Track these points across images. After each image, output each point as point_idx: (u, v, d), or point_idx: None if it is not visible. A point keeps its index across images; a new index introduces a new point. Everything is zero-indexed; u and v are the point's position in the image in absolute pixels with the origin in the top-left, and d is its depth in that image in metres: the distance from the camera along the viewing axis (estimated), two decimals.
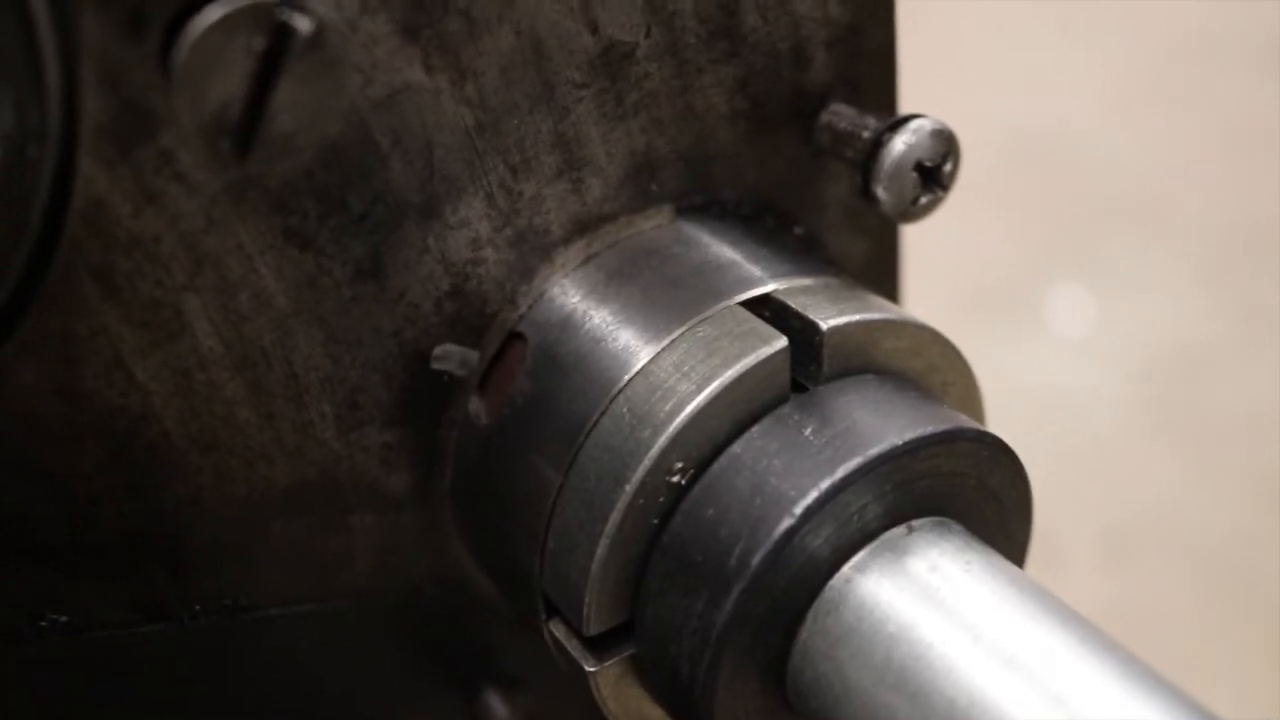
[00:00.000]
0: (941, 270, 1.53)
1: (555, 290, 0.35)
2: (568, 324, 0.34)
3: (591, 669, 0.32)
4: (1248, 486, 1.37)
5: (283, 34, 0.28)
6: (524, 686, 0.39)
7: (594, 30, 0.33)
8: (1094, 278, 1.59)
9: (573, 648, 0.32)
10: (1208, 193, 1.68)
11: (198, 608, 0.34)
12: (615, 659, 0.32)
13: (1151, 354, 1.51)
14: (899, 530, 0.31)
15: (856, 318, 0.32)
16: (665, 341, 0.32)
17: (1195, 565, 1.32)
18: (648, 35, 0.33)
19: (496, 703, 0.39)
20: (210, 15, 0.27)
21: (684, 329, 0.32)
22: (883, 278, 0.40)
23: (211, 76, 0.27)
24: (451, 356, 0.34)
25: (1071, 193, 1.68)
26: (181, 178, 0.29)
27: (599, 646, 0.32)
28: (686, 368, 0.31)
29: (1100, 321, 1.56)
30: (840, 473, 0.30)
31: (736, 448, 0.31)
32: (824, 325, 0.32)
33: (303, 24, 0.28)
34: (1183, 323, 1.54)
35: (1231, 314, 1.55)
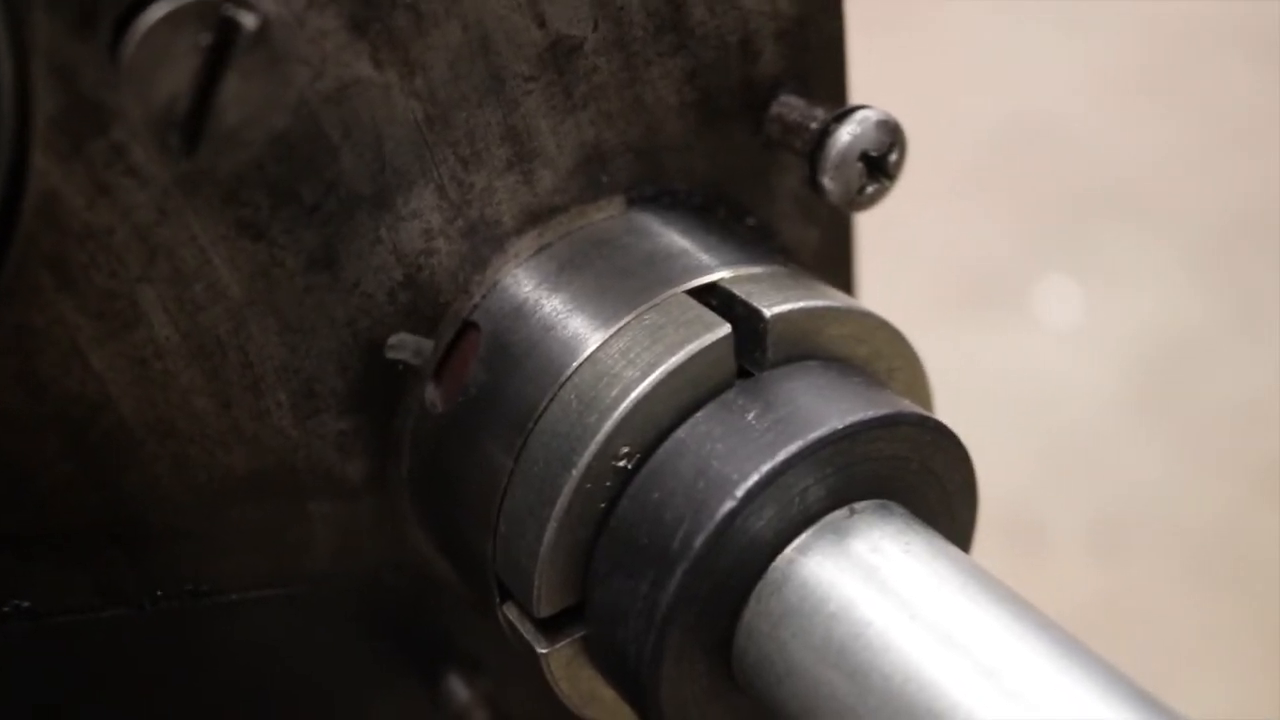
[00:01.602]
0: (931, 261, 1.54)
1: (508, 280, 0.35)
2: (520, 313, 0.35)
3: (543, 650, 0.32)
4: (1238, 477, 1.38)
5: (228, 29, 0.28)
6: (484, 669, 0.40)
7: (541, 24, 0.33)
8: (1084, 268, 1.60)
9: (525, 630, 0.33)
10: (1198, 182, 1.68)
11: (159, 593, 0.35)
12: (566, 641, 0.33)
13: (1141, 344, 1.51)
14: (841, 512, 0.31)
15: (800, 305, 0.33)
16: (613, 329, 0.33)
17: (1185, 556, 1.32)
18: (595, 29, 0.34)
19: (458, 685, 0.40)
20: (157, 11, 0.27)
21: (631, 316, 0.33)
22: (836, 266, 0.41)
23: (159, 71, 0.28)
24: (406, 345, 0.35)
25: (1061, 183, 1.68)
26: (133, 171, 0.29)
27: (550, 628, 0.33)
28: (633, 354, 0.32)
29: (1090, 312, 1.56)
30: (781, 455, 0.30)
31: (681, 432, 0.32)
32: (768, 312, 0.32)
33: (248, 20, 0.28)
34: (1173, 313, 1.54)
35: (1222, 304, 1.55)
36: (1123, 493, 1.38)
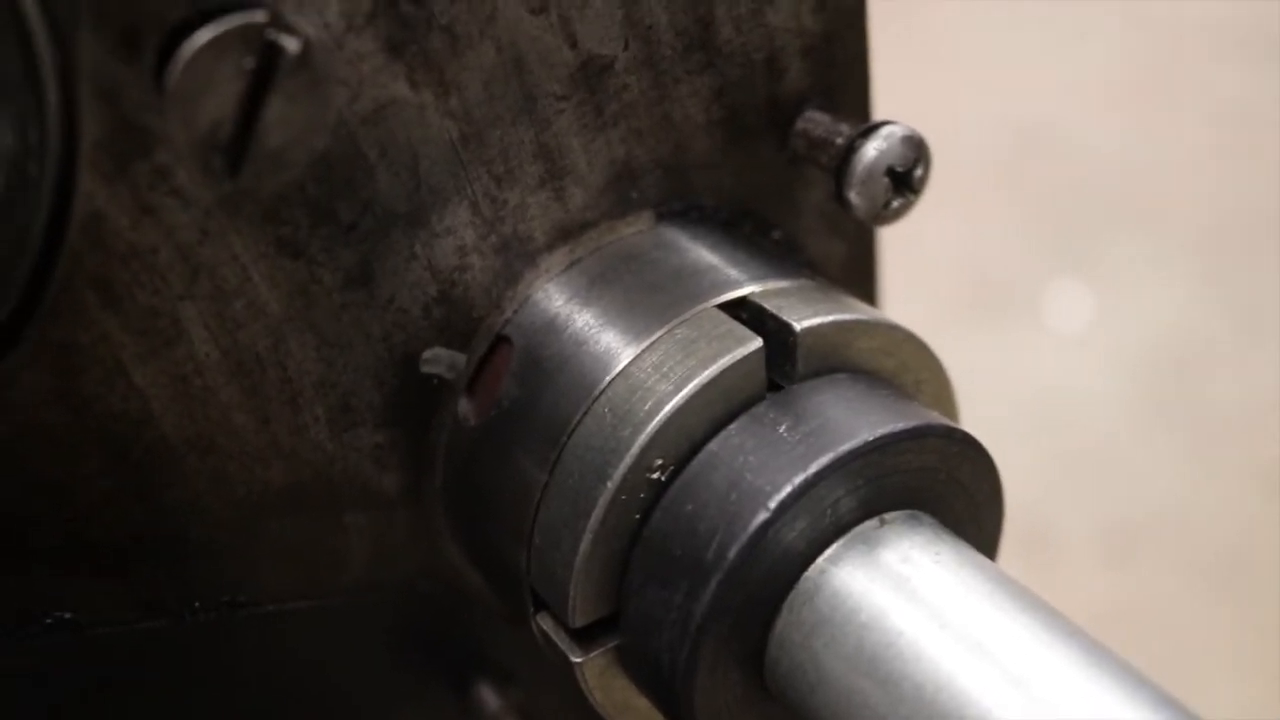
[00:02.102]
0: (940, 267, 1.54)
1: (539, 295, 0.36)
2: (552, 327, 0.35)
3: (577, 660, 0.33)
4: (1249, 481, 1.38)
5: (272, 53, 0.29)
6: (516, 680, 0.41)
7: (573, 44, 0.34)
8: (1093, 274, 1.60)
9: (559, 639, 0.33)
10: (1206, 187, 1.68)
11: (196, 604, 0.35)
12: (600, 650, 0.33)
13: (1151, 350, 1.51)
14: (871, 523, 0.32)
15: (830, 318, 0.33)
16: (645, 344, 0.33)
17: (1197, 561, 1.32)
18: (626, 48, 0.35)
19: (489, 696, 0.40)
20: (202, 37, 0.28)
21: (663, 331, 0.33)
22: (861, 279, 0.42)
23: (204, 96, 0.29)
24: (440, 360, 0.35)
25: (1070, 189, 1.68)
26: (177, 192, 0.30)
27: (585, 638, 0.33)
28: (665, 368, 0.32)
29: (1099, 317, 1.57)
30: (814, 468, 0.31)
31: (714, 445, 0.32)
32: (798, 326, 0.33)
33: (291, 44, 0.29)
34: (1182, 318, 1.54)
35: (1231, 308, 1.55)
36: (1135, 498, 1.38)
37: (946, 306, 1.52)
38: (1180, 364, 1.50)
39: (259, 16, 0.28)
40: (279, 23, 0.29)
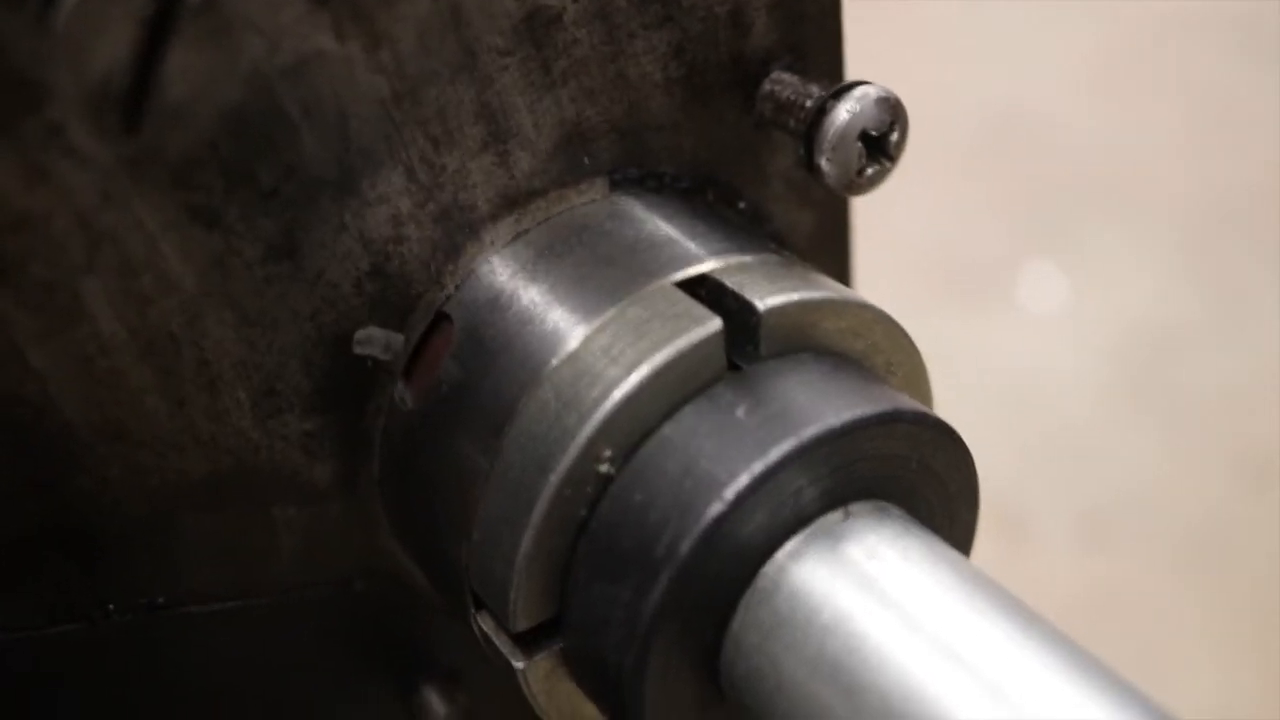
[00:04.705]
0: (914, 248, 1.52)
1: (483, 269, 0.33)
2: (495, 305, 0.32)
3: (519, 665, 0.31)
4: (1225, 467, 1.37)
5: None
6: (463, 681, 0.38)
7: None
8: (1070, 258, 1.59)
9: (500, 643, 0.31)
10: (1184, 171, 1.67)
11: (111, 607, 0.32)
12: (545, 653, 0.31)
13: (1128, 334, 1.50)
14: (835, 515, 0.29)
15: (795, 297, 0.31)
16: (595, 324, 0.31)
17: (1173, 547, 1.32)
18: None
19: (435, 699, 0.38)
20: None
21: (614, 310, 0.31)
22: (832, 252, 0.39)
23: (94, 43, 0.26)
24: (375, 340, 0.33)
25: (1047, 172, 1.67)
26: (72, 151, 0.27)
27: (527, 641, 0.31)
28: (615, 351, 0.30)
29: (1076, 301, 1.55)
30: (774, 455, 0.28)
31: (667, 429, 0.30)
32: (761, 306, 0.30)
33: None
34: (1159, 302, 1.53)
35: (1208, 294, 1.55)
36: (1110, 482, 1.37)
37: (920, 288, 1.50)
38: (1156, 348, 1.49)
39: None
40: None
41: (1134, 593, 1.28)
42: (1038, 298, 1.56)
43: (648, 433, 0.30)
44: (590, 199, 0.34)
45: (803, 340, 0.31)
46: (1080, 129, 1.72)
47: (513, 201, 0.33)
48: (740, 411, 0.29)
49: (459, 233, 0.33)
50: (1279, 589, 1.25)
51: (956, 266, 1.55)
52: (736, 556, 0.29)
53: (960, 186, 1.62)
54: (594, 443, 0.29)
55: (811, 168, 0.34)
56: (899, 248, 1.42)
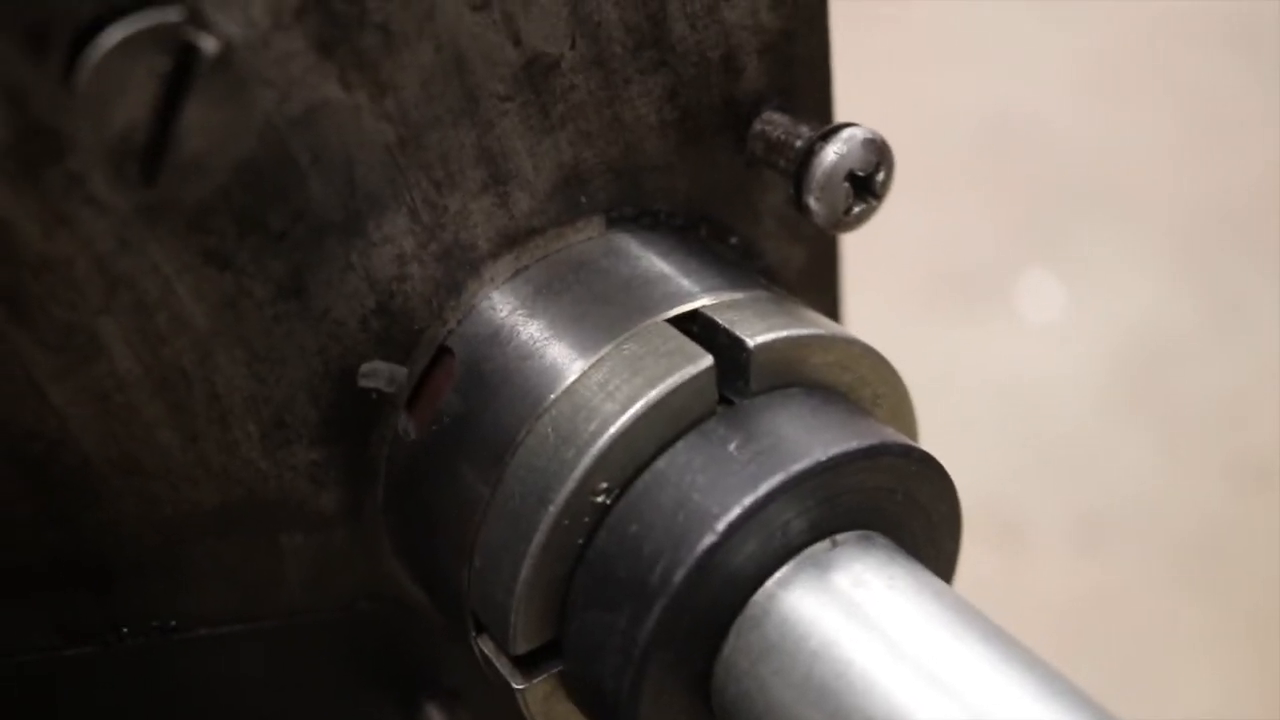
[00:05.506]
0: (911, 256, 1.53)
1: (483, 305, 0.34)
2: (495, 339, 0.34)
3: (519, 686, 0.32)
4: (1221, 473, 1.38)
5: (187, 55, 0.27)
6: (464, 701, 0.39)
7: (517, 42, 0.32)
8: (1066, 264, 1.59)
9: (500, 665, 0.32)
10: (1180, 177, 1.68)
11: (124, 630, 0.34)
12: (543, 676, 0.32)
13: (1124, 340, 1.51)
14: (823, 545, 0.31)
15: (784, 334, 0.32)
16: (591, 359, 0.32)
17: (1170, 552, 1.33)
18: (573, 46, 0.33)
19: (437, 717, 0.39)
20: (111, 38, 0.26)
21: (610, 346, 0.32)
22: (822, 286, 0.40)
23: (116, 99, 0.27)
24: (379, 373, 0.34)
25: (1043, 178, 1.68)
26: (92, 200, 0.28)
27: (526, 664, 0.32)
28: (611, 387, 0.31)
29: (1072, 308, 1.56)
30: (764, 489, 0.30)
31: (660, 463, 0.31)
32: (751, 342, 0.31)
33: (208, 44, 0.27)
34: (1155, 308, 1.54)
35: (1204, 299, 1.56)
36: (1106, 488, 1.38)
37: (918, 295, 1.51)
38: (1152, 354, 1.50)
39: (173, 15, 0.27)
40: (196, 21, 0.27)
41: (1131, 598, 1.29)
42: (1035, 304, 1.57)
43: (642, 466, 0.31)
44: (587, 236, 0.35)
45: (792, 374, 0.32)
46: (1077, 135, 1.73)
47: (512, 240, 0.35)
48: (732, 446, 0.30)
49: (460, 270, 0.34)
50: (1276, 594, 1.26)
51: (953, 273, 1.56)
52: (728, 585, 0.30)
53: (957, 193, 1.63)
54: (591, 476, 0.30)
55: (800, 206, 0.35)
56: (896, 255, 1.43)
